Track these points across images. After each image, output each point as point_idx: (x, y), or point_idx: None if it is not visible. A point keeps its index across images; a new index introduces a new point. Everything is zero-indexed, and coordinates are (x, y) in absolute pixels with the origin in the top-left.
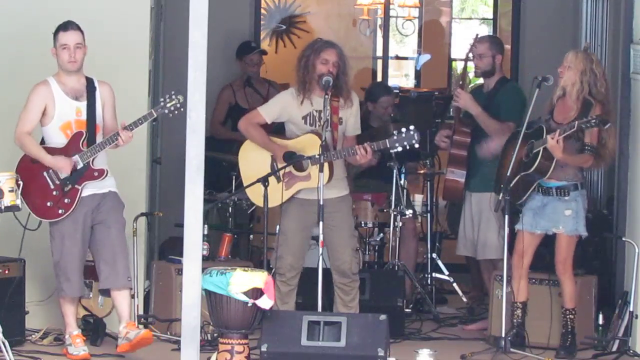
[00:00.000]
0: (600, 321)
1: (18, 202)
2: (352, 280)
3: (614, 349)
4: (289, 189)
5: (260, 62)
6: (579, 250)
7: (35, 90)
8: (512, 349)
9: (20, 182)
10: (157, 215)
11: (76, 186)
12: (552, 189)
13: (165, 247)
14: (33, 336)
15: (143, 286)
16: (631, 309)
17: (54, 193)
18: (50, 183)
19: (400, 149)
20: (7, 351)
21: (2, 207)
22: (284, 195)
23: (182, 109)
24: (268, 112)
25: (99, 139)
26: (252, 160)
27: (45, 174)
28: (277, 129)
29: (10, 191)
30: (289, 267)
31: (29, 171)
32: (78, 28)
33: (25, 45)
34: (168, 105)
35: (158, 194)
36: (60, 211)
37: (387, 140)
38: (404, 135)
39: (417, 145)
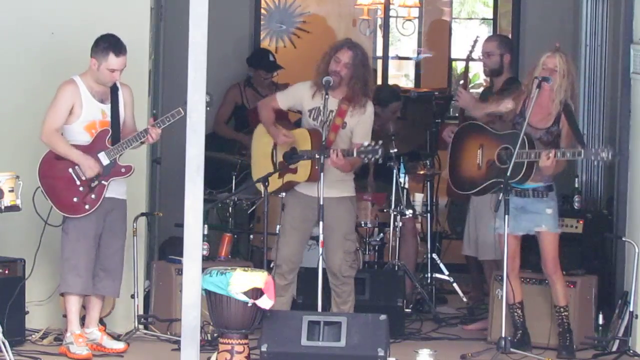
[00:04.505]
0: (600, 321)
1: (18, 202)
2: (343, 283)
3: (614, 349)
4: (281, 178)
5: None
6: (579, 250)
7: (63, 89)
8: (514, 349)
9: (20, 182)
10: (157, 215)
11: (103, 182)
12: (529, 191)
13: (165, 247)
14: (33, 336)
15: (143, 286)
16: (631, 309)
17: (80, 189)
18: (76, 179)
19: (366, 160)
20: (7, 351)
21: (2, 207)
22: (277, 183)
23: (208, 108)
24: (283, 99)
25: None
26: (262, 141)
27: (71, 170)
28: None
29: (10, 191)
30: (284, 259)
31: (53, 167)
32: (126, 50)
33: (26, 46)
34: None
35: (158, 194)
36: (86, 207)
37: (354, 150)
38: (370, 148)
39: (380, 161)
